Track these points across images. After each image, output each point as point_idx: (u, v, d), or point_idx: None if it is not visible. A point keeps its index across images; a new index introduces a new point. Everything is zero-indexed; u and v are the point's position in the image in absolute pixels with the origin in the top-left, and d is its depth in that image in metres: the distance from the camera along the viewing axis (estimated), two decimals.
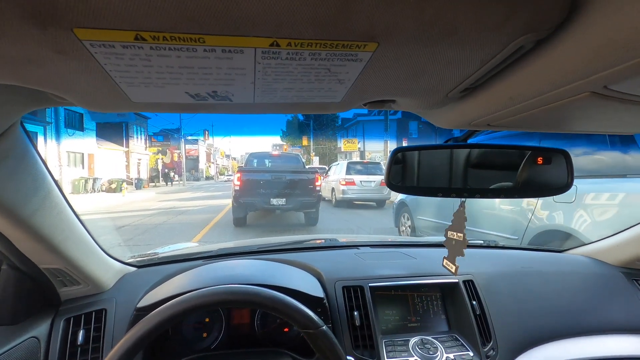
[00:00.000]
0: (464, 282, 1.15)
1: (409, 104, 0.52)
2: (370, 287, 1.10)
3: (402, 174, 0.76)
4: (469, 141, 0.78)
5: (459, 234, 0.78)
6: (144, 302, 0.97)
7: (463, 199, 0.78)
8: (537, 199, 3.08)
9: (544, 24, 0.32)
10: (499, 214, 3.59)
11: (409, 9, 0.28)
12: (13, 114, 0.53)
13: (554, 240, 2.98)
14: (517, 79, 0.39)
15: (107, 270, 1.05)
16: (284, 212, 7.90)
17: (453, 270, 0.79)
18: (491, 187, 0.76)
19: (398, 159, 0.76)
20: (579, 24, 0.31)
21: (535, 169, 0.74)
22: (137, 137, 27.98)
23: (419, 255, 1.35)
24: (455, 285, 1.14)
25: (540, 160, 0.74)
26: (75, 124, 19.45)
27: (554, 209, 3.04)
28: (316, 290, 1.05)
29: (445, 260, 0.83)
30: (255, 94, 0.43)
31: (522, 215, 3.26)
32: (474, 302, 1.11)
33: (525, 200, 3.27)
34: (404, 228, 5.55)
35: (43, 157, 0.71)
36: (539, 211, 3.13)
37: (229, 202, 8.92)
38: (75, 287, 0.96)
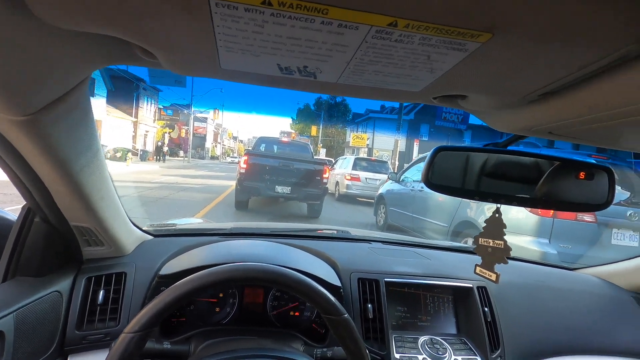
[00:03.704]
0: (478, 287, 1.15)
1: (479, 102, 0.51)
2: (385, 281, 1.11)
3: (441, 174, 0.76)
4: (510, 148, 0.78)
5: (497, 242, 0.77)
6: (166, 270, 0.98)
7: (499, 205, 0.78)
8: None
9: None
10: (438, 208, 5.01)
11: (541, 4, 0.27)
12: (93, 65, 0.52)
13: (468, 229, 4.22)
14: (605, 88, 0.38)
15: (129, 235, 1.06)
16: (287, 201, 7.87)
17: (494, 278, 0.78)
18: (528, 196, 0.75)
19: (439, 158, 0.75)
20: None
21: (576, 183, 0.74)
22: (146, 109, 27.89)
23: (432, 257, 1.36)
24: (468, 290, 1.15)
25: (582, 175, 0.73)
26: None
27: (468, 207, 4.29)
28: (333, 279, 1.06)
29: (478, 268, 0.81)
30: (343, 74, 0.43)
31: (451, 210, 4.63)
32: (485, 309, 1.12)
33: (450, 198, 4.43)
34: (380, 217, 6.93)
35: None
36: (460, 208, 4.44)
37: (231, 184, 8.86)
38: (99, 248, 0.98)
